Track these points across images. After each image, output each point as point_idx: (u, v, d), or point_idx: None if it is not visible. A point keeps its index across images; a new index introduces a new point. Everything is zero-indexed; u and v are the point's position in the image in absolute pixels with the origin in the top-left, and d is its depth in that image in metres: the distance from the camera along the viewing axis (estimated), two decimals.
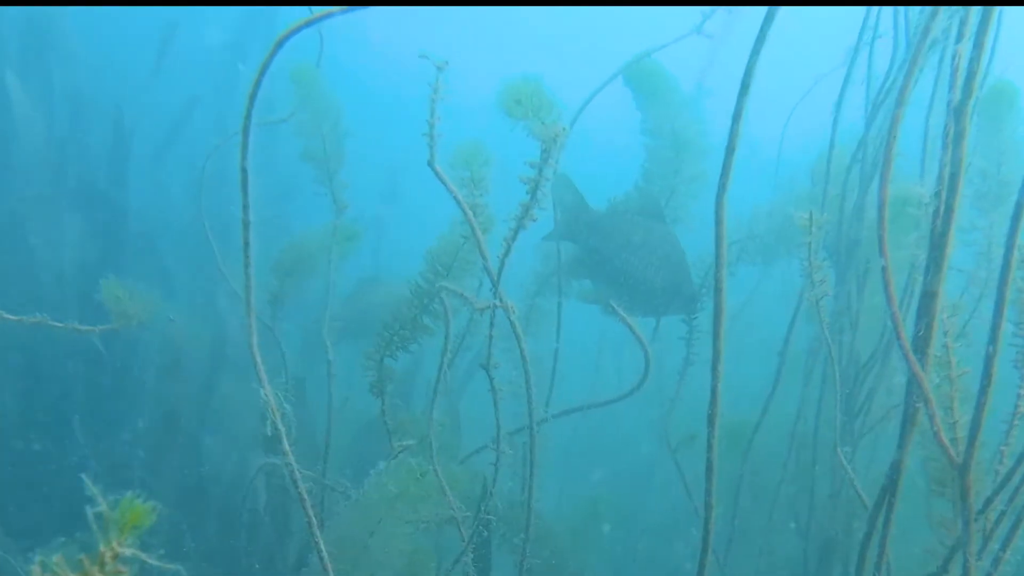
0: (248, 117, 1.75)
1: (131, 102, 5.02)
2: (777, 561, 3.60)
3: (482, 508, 2.76)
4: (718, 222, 1.85)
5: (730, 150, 1.83)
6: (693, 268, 3.50)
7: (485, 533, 2.96)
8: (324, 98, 3.24)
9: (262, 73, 1.87)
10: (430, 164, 2.50)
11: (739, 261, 3.74)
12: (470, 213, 2.55)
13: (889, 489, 2.13)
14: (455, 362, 3.56)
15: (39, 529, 3.97)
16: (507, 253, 2.53)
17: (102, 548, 0.95)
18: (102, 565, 0.95)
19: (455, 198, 2.53)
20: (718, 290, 1.87)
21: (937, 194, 1.97)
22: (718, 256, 1.86)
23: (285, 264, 3.57)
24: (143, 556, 0.96)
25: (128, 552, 0.95)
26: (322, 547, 1.86)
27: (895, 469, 2.12)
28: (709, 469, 1.94)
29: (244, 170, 1.84)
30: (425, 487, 2.58)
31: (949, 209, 1.93)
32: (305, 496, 1.84)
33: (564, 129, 2.39)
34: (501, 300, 2.53)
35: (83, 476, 1.01)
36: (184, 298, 5.35)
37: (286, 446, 1.85)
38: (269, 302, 3.56)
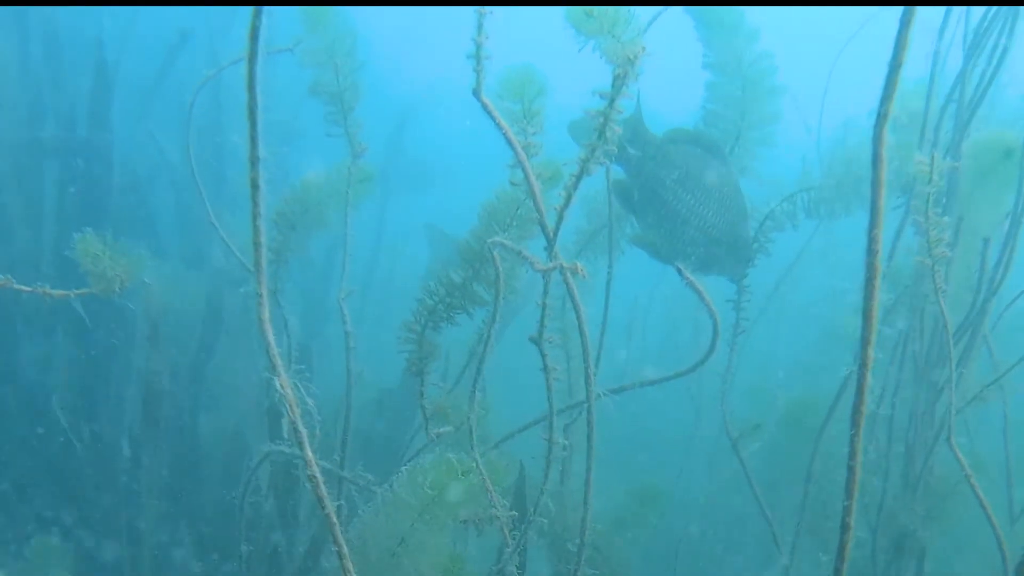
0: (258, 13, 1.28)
1: (114, 37, 4.51)
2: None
3: (533, 510, 2.33)
4: (876, 160, 1.40)
5: (895, 65, 1.38)
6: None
7: (526, 533, 2.54)
8: (336, 22, 2.76)
9: None
10: (475, 94, 2.04)
11: (807, 215, 3.27)
12: (522, 153, 2.10)
13: None
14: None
15: (24, 520, 3.57)
16: (567, 204, 2.09)
17: None
18: None
19: (505, 136, 2.07)
20: (872, 251, 1.42)
21: None
22: (874, 209, 1.41)
23: (289, 215, 3.10)
24: None
25: None
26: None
27: None
28: (851, 482, 1.51)
29: (252, 89, 1.38)
30: (467, 487, 2.15)
31: None
32: (335, 520, 1.41)
33: (643, 48, 1.93)
34: (559, 260, 2.09)
35: None
36: (176, 255, 4.88)
37: (309, 454, 1.42)
38: (271, 260, 3.11)
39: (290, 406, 1.41)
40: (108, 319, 3.97)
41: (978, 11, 2.81)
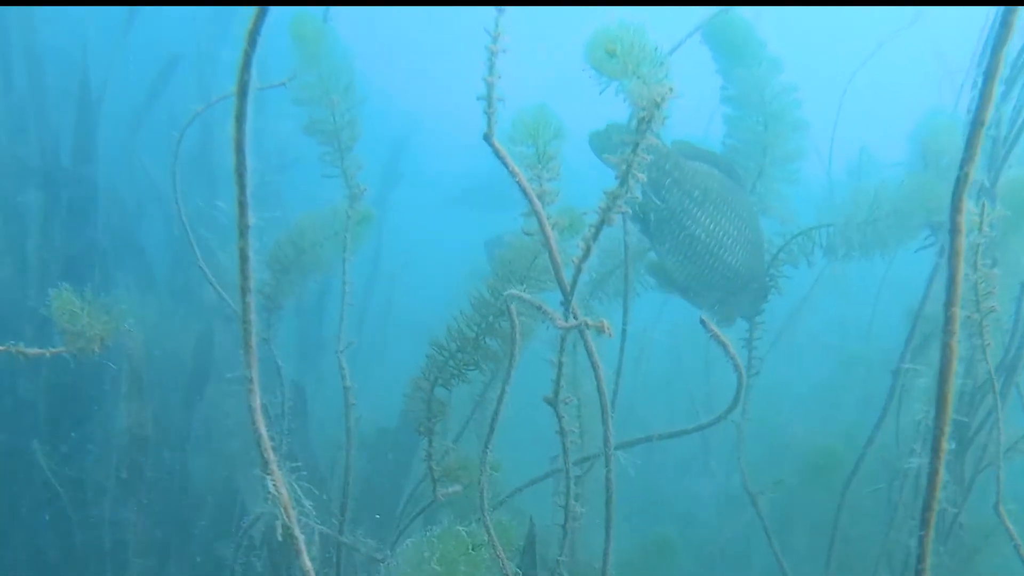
0: (246, 66, 1.11)
1: (100, 59, 4.32)
2: None
3: None
4: (954, 230, 1.23)
5: (977, 122, 1.21)
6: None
7: None
8: (333, 57, 2.58)
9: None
10: (487, 138, 1.87)
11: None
12: (537, 202, 1.93)
13: None
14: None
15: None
16: (586, 257, 1.91)
17: None
18: None
19: (519, 183, 1.90)
20: (949, 332, 1.25)
21: None
22: (951, 284, 1.24)
23: (283, 259, 2.91)
24: None
25: None
26: None
27: None
28: None
29: (241, 150, 1.20)
30: (477, 561, 1.97)
31: None
32: None
33: (671, 89, 1.77)
34: (581, 318, 1.92)
35: None
36: (166, 289, 4.69)
37: (307, 563, 1.24)
38: (264, 306, 2.93)
39: (285, 509, 1.24)
40: (95, 364, 3.78)
41: (1016, 40, 2.65)
